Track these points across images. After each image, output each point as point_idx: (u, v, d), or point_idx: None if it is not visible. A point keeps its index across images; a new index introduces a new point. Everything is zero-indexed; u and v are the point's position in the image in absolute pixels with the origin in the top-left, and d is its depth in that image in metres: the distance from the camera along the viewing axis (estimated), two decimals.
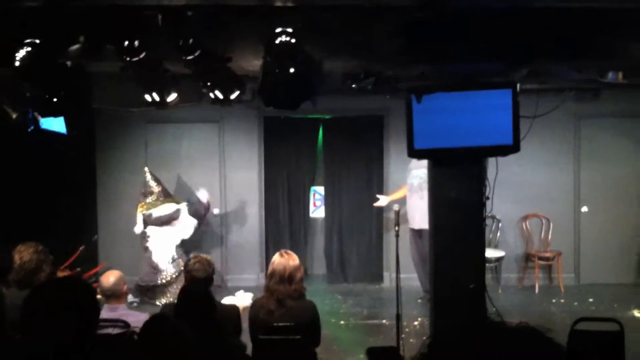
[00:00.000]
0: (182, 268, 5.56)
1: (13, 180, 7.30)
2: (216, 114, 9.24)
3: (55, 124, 7.14)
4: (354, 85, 6.03)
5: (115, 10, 4.43)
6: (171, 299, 7.86)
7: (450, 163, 5.57)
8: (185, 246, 8.96)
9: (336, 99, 8.21)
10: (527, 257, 9.63)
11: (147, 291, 8.57)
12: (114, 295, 4.83)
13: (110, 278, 4.86)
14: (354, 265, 10.10)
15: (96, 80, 5.40)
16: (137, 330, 3.90)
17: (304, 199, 10.36)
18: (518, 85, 5.35)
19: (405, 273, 6.66)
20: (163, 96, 5.37)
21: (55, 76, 4.61)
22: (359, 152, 10.06)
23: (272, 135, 10.00)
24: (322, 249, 10.35)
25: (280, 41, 4.30)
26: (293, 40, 4.29)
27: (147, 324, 3.28)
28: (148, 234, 8.72)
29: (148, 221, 8.71)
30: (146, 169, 8.97)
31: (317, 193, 10.40)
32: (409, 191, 8.51)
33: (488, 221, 7.03)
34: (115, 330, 4.36)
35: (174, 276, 8.48)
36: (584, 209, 9.66)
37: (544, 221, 9.62)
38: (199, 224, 9.05)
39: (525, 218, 9.63)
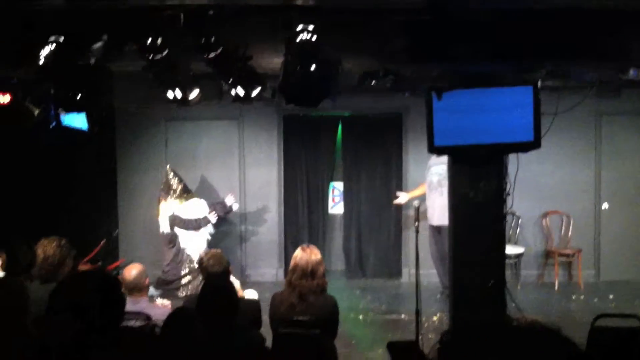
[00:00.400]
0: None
1: (35, 176, 7.41)
2: (236, 111, 9.29)
3: (77, 121, 7.21)
4: (373, 83, 6.05)
5: (137, 10, 4.48)
6: (193, 292, 7.92)
7: (471, 160, 5.58)
8: (208, 243, 9.01)
9: (355, 97, 8.24)
10: (547, 254, 9.60)
11: (170, 284, 8.65)
12: (136, 288, 4.91)
13: (132, 272, 4.94)
14: (372, 261, 10.13)
15: (118, 79, 5.47)
16: (159, 322, 3.98)
17: (323, 195, 10.39)
18: (539, 82, 5.35)
19: (424, 269, 6.66)
20: (185, 93, 5.43)
21: (78, 74, 4.68)
22: (377, 149, 10.07)
23: (292, 132, 10.04)
24: (340, 244, 10.40)
25: (301, 39, 4.33)
26: (314, 38, 4.32)
27: (171, 316, 3.34)
28: (177, 234, 8.78)
29: (174, 224, 8.76)
30: (168, 166, 9.03)
31: (336, 189, 10.43)
32: (428, 188, 8.52)
33: (508, 218, 7.01)
34: (138, 323, 4.43)
35: (197, 271, 8.53)
36: (605, 205, 9.61)
37: (564, 218, 9.58)
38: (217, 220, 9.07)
39: (545, 215, 9.59)
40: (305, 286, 4.73)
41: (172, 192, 8.87)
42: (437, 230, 8.37)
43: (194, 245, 8.74)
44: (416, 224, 6.07)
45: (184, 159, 9.72)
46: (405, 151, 9.79)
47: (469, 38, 4.87)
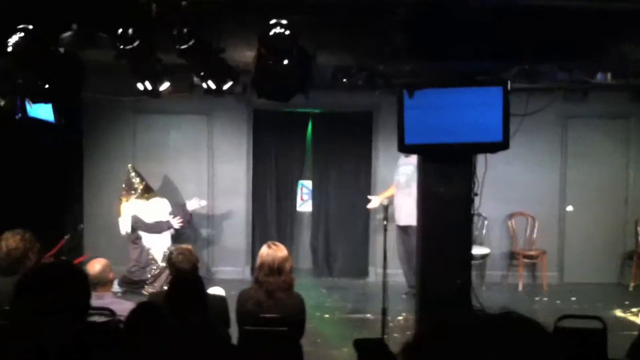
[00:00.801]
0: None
1: None
2: (205, 106, 9.22)
3: (43, 112, 7.09)
4: (345, 80, 6.05)
5: None
6: (157, 289, 7.85)
7: (440, 159, 5.61)
8: (173, 239, 8.93)
9: (327, 94, 8.21)
10: (512, 255, 9.70)
11: (135, 284, 8.56)
12: (101, 283, 4.82)
13: (96, 266, 4.86)
14: (339, 260, 10.13)
15: (87, 69, 5.38)
16: (123, 318, 3.92)
17: (292, 193, 10.36)
18: (509, 83, 5.40)
19: (391, 269, 6.67)
20: (156, 85, 5.37)
21: (47, 63, 4.59)
22: (347, 147, 10.07)
23: (261, 128, 9.99)
24: (308, 243, 10.37)
25: (275, 33, 4.30)
26: (287, 32, 4.29)
27: (135, 311, 3.28)
28: (140, 234, 8.70)
29: (136, 226, 8.68)
30: (130, 165, 8.95)
31: (305, 187, 10.40)
32: (396, 188, 8.52)
33: (474, 219, 7.06)
34: (101, 319, 4.35)
35: (162, 268, 8.44)
36: (569, 208, 9.74)
37: (529, 220, 9.68)
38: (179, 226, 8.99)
39: (511, 216, 9.68)
40: (272, 283, 4.70)
41: (133, 191, 8.78)
42: (404, 230, 8.38)
43: (158, 244, 8.68)
44: (385, 223, 6.07)
45: (152, 153, 9.62)
46: (375, 149, 9.80)
47: (451, 36, 4.89)
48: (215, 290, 5.92)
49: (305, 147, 10.26)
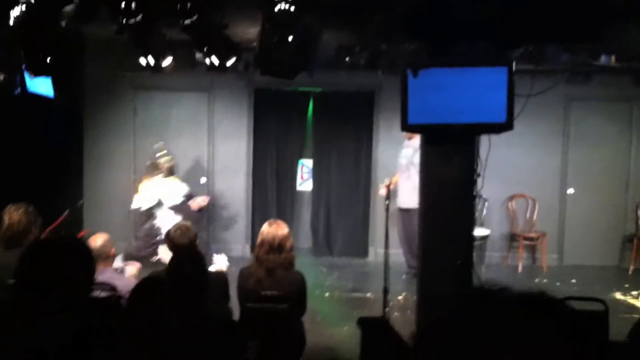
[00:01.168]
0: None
1: (1, 143, 7.23)
2: (206, 83, 9.18)
3: (43, 87, 7.03)
4: (347, 59, 6.00)
5: None
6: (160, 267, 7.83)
7: (444, 139, 5.57)
8: None
9: (329, 73, 8.15)
10: (512, 237, 9.71)
11: (140, 260, 8.51)
12: (101, 257, 4.80)
13: (98, 240, 4.85)
14: (339, 239, 10.15)
15: (89, 44, 5.34)
16: (124, 294, 3.91)
17: (292, 172, 10.35)
18: (514, 64, 5.34)
19: (390, 249, 6.67)
20: (158, 60, 5.32)
21: (49, 36, 4.55)
22: (348, 126, 10.04)
23: (262, 106, 9.95)
24: (308, 221, 10.38)
25: (280, 9, 4.26)
26: (292, 9, 4.24)
27: (138, 286, 3.28)
28: (154, 213, 8.60)
29: (180, 208, 8.57)
30: (161, 143, 8.75)
31: (305, 166, 10.38)
32: (399, 171, 8.52)
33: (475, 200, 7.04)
34: (103, 294, 4.35)
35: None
36: (570, 190, 9.73)
37: (529, 202, 9.68)
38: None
39: (511, 198, 9.68)
40: (272, 260, 4.70)
41: (157, 171, 8.64)
42: (405, 211, 8.38)
43: (169, 224, 8.61)
44: (387, 202, 6.05)
45: (153, 129, 9.56)
46: (377, 130, 9.77)
47: (454, 17, 4.84)
48: (218, 259, 5.93)
49: (306, 126, 10.23)
